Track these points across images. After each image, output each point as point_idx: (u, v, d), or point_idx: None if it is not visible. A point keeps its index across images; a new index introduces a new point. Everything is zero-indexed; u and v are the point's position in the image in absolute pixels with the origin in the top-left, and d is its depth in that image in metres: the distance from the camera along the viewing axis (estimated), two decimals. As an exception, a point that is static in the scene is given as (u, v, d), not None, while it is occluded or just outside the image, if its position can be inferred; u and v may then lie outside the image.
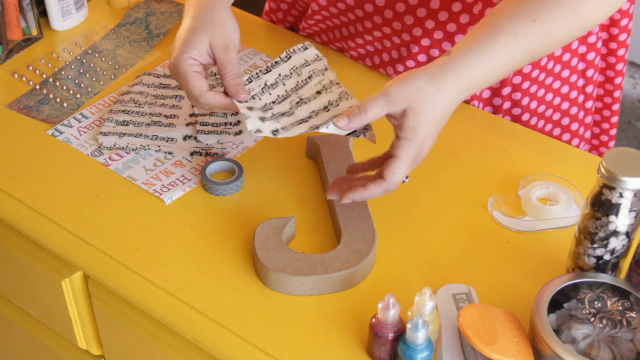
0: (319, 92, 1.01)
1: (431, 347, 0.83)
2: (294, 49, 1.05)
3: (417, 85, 0.90)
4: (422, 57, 1.17)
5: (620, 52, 1.23)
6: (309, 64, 1.04)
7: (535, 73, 1.19)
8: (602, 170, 0.84)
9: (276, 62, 1.04)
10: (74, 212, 1.03)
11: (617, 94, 1.27)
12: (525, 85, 1.19)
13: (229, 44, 0.98)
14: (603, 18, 0.96)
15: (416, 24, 1.14)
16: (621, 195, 0.84)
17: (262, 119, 0.97)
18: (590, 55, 1.21)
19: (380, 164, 0.94)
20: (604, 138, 1.32)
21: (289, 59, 1.04)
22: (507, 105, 1.21)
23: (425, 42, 1.16)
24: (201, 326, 0.92)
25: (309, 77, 1.02)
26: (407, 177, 0.94)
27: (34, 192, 1.06)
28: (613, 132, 1.32)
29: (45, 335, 1.20)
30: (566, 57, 1.20)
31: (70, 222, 1.02)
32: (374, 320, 0.85)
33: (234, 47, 0.99)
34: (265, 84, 1.02)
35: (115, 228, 1.01)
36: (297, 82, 1.02)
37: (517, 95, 1.20)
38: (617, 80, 1.26)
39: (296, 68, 1.03)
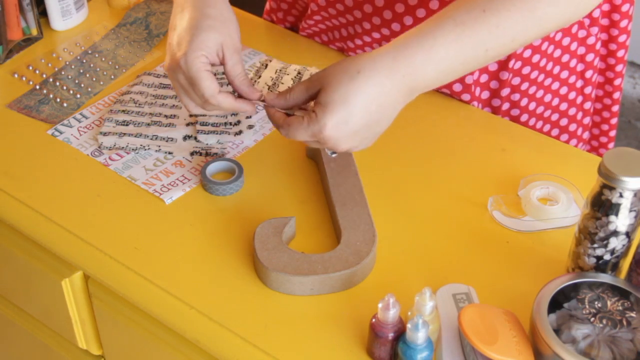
0: None
1: (431, 347, 0.83)
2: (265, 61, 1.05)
3: (338, 66, 0.87)
4: None
5: (620, 53, 1.23)
6: (289, 65, 1.04)
7: (534, 74, 1.19)
8: (602, 170, 0.84)
9: (258, 70, 1.03)
10: (74, 212, 1.03)
11: (616, 95, 1.27)
12: (524, 86, 1.19)
13: (238, 45, 0.96)
14: (567, 20, 0.91)
15: (415, 24, 1.14)
16: (621, 195, 0.84)
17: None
18: (590, 57, 1.21)
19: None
20: (604, 139, 1.32)
21: (266, 67, 1.04)
22: (505, 106, 1.21)
23: None
24: (201, 326, 0.92)
25: (299, 73, 1.02)
26: (333, 153, 0.94)
27: (34, 192, 1.06)
28: (612, 133, 1.32)
29: (45, 335, 1.20)
30: (565, 58, 1.20)
31: (70, 222, 1.02)
32: (374, 320, 0.85)
33: (240, 48, 0.97)
34: (267, 85, 1.02)
35: (115, 228, 1.01)
36: (292, 79, 1.02)
37: (516, 97, 1.20)
38: (617, 82, 1.26)
39: (280, 70, 1.03)
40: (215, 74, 0.98)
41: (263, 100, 0.95)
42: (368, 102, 0.87)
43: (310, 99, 0.92)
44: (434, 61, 0.87)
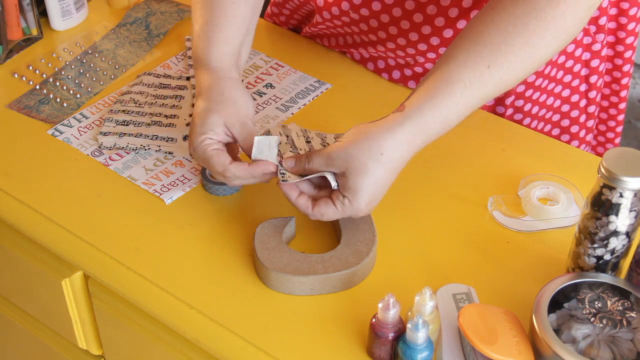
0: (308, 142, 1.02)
1: (431, 347, 0.83)
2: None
3: (360, 149, 0.91)
4: (429, 66, 1.17)
5: (627, 54, 1.23)
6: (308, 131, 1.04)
7: (538, 81, 1.19)
8: (602, 170, 0.84)
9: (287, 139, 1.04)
10: (74, 212, 1.03)
11: (623, 93, 1.28)
12: (529, 93, 1.20)
13: (244, 120, 0.98)
14: (554, 55, 0.97)
15: (421, 40, 1.14)
16: (621, 195, 0.84)
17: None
18: (595, 62, 1.21)
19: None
20: (610, 135, 1.33)
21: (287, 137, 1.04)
22: (509, 112, 1.21)
23: (431, 55, 1.16)
24: (201, 326, 0.92)
25: (323, 140, 1.03)
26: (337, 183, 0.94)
27: (34, 192, 1.06)
28: (619, 129, 1.33)
29: (45, 335, 1.20)
30: (569, 63, 1.20)
31: (70, 222, 1.02)
32: (374, 320, 0.85)
33: (250, 121, 0.98)
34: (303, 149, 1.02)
35: (115, 228, 1.01)
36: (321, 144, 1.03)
37: (520, 103, 1.20)
38: (624, 81, 1.26)
39: (304, 135, 1.03)
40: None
41: (282, 166, 0.96)
42: (391, 174, 0.92)
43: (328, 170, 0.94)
44: (447, 125, 0.93)
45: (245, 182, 0.98)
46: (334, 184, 0.93)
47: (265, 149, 0.97)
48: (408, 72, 1.20)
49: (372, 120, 0.94)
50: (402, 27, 1.14)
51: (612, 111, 1.30)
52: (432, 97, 0.92)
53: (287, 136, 1.00)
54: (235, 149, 1.01)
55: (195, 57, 1.04)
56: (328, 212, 0.93)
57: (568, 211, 1.02)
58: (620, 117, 1.31)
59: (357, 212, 0.93)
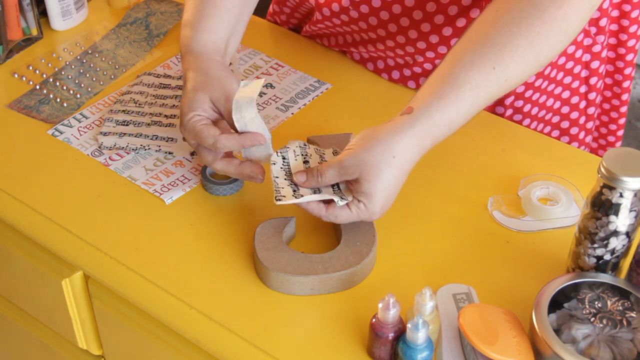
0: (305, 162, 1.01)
1: (431, 347, 0.83)
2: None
3: (373, 154, 0.91)
4: (427, 66, 1.17)
5: (629, 57, 1.23)
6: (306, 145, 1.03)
7: (538, 82, 1.19)
8: (602, 170, 0.84)
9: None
10: (74, 212, 1.03)
11: (625, 96, 1.28)
12: (528, 93, 1.20)
13: (229, 95, 0.99)
14: (557, 55, 0.97)
15: (420, 37, 1.14)
16: (621, 195, 0.84)
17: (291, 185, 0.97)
18: (595, 64, 1.21)
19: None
20: (611, 139, 1.33)
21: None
22: (509, 112, 1.21)
23: (430, 54, 1.16)
24: (201, 326, 0.92)
25: (321, 157, 1.02)
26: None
27: (34, 192, 1.06)
28: (620, 132, 1.33)
29: (45, 335, 1.20)
30: (569, 65, 1.20)
31: (70, 222, 1.02)
32: (374, 320, 0.85)
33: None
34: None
35: (115, 228, 1.01)
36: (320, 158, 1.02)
37: (520, 103, 1.20)
38: (625, 84, 1.26)
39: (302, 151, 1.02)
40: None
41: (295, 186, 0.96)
42: (402, 176, 0.94)
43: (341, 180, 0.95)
44: (454, 126, 0.94)
45: (235, 170, 0.99)
46: (340, 203, 0.93)
47: (244, 105, 0.96)
48: (407, 72, 1.20)
49: (374, 120, 0.94)
50: (402, 24, 1.13)
51: (614, 114, 1.30)
52: (439, 100, 0.92)
53: (284, 158, 1.00)
54: (225, 126, 1.01)
55: (181, 45, 1.06)
56: (342, 214, 0.94)
57: (568, 211, 1.02)
58: (622, 121, 1.31)
59: (372, 216, 0.94)
